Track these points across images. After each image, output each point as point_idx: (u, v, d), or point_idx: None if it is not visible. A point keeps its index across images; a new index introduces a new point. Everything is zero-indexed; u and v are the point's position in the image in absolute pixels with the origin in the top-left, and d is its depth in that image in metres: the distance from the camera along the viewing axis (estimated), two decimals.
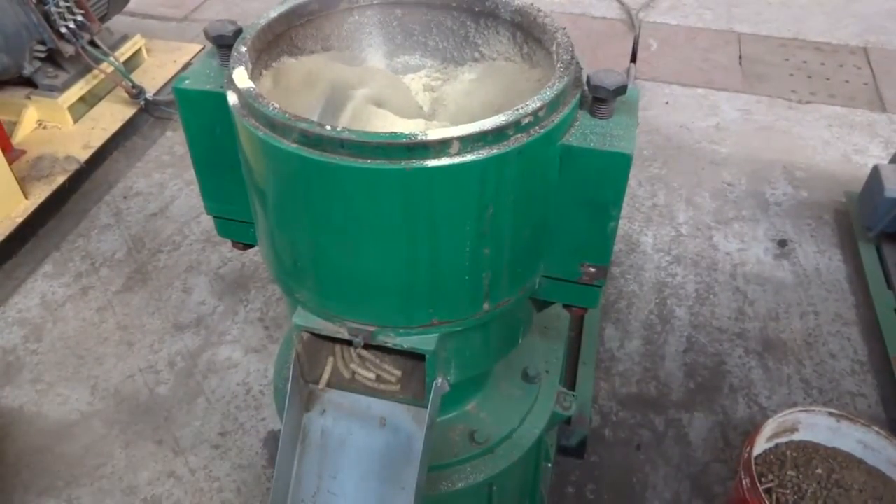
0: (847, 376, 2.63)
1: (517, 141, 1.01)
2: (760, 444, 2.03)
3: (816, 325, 2.82)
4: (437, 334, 1.19)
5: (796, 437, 2.11)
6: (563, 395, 1.68)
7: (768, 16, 4.80)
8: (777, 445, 2.11)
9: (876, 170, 3.00)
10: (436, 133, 0.96)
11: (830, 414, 2.06)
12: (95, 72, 3.50)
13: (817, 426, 2.08)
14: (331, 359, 1.30)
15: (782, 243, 3.16)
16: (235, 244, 1.43)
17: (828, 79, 4.18)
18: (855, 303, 2.89)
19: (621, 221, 3.21)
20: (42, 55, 3.29)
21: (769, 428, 2.03)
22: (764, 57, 4.38)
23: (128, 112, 3.59)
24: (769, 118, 3.90)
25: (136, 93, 3.57)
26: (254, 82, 1.06)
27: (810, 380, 2.62)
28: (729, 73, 4.23)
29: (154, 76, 3.78)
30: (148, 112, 3.68)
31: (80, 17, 3.30)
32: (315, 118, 1.14)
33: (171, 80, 3.81)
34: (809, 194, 3.41)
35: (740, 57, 4.38)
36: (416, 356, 1.23)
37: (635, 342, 2.75)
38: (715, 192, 3.43)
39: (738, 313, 2.86)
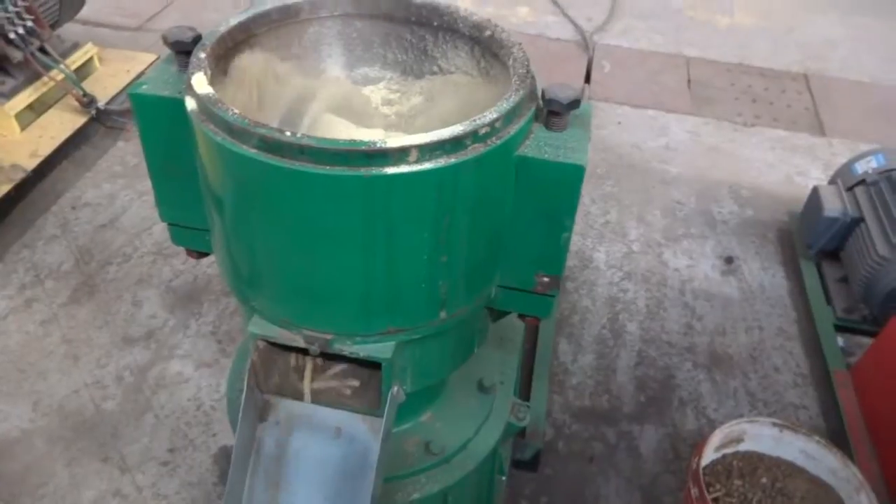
0: (790, 389, 2.72)
1: (474, 150, 1.03)
2: (708, 455, 2.08)
3: (761, 339, 2.91)
4: (393, 342, 1.20)
5: (742, 447, 2.17)
6: (518, 405, 1.70)
7: (715, 41, 4.99)
8: (724, 456, 2.16)
9: (815, 191, 3.13)
10: (395, 141, 0.98)
11: (774, 424, 2.13)
12: (45, 79, 3.42)
13: (762, 436, 2.15)
14: (308, 368, 1.29)
15: (729, 260, 3.26)
16: (190, 252, 1.41)
17: (771, 103, 4.36)
18: (797, 318, 3.00)
19: (575, 238, 3.30)
20: None
21: (716, 439, 2.09)
22: (711, 81, 4.54)
23: (78, 121, 3.50)
24: (716, 140, 4.04)
25: (87, 101, 3.50)
26: (213, 88, 1.06)
27: (755, 392, 2.70)
28: (678, 96, 4.37)
29: (106, 85, 3.71)
30: (99, 121, 3.61)
31: (29, 23, 3.23)
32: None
33: (123, 89, 3.74)
34: (755, 213, 3.53)
35: (689, 80, 4.53)
36: (373, 365, 1.23)
37: (588, 356, 2.79)
38: (665, 209, 3.52)
39: (687, 328, 2.94)
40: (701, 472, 1.96)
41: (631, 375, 2.73)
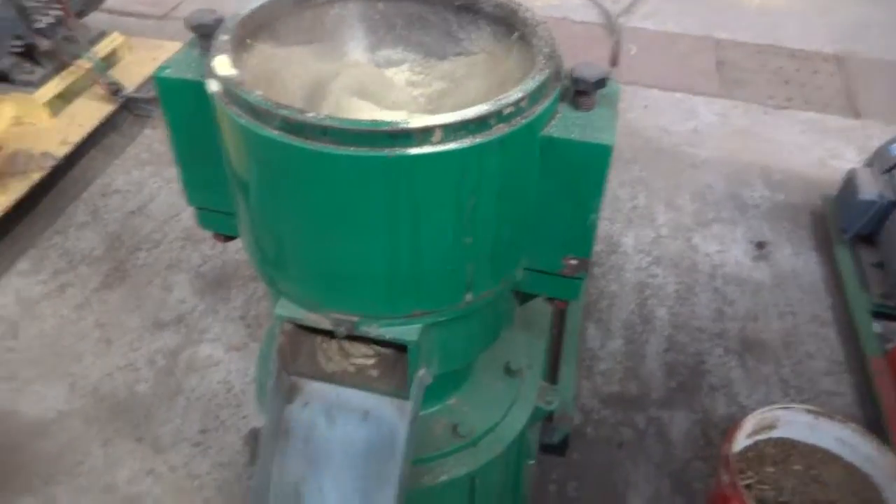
0: (824, 376, 2.67)
1: (499, 131, 1.02)
2: (740, 441, 2.05)
3: (794, 325, 2.86)
4: (419, 325, 1.19)
5: (775, 434, 2.14)
6: (546, 389, 1.69)
7: (745, 22, 4.87)
8: (756, 442, 2.13)
9: (851, 174, 3.05)
10: (418, 121, 0.97)
11: (809, 411, 2.09)
12: (73, 68, 3.47)
13: (796, 423, 2.11)
14: (335, 350, 1.29)
15: (760, 245, 3.20)
16: (217, 236, 1.42)
17: (803, 85, 4.25)
18: (831, 303, 2.94)
19: (602, 222, 3.26)
20: (18, 50, 3.25)
21: (749, 425, 2.06)
22: (741, 63, 4.44)
23: (106, 109, 3.55)
24: (746, 122, 3.95)
25: (115, 90, 3.54)
26: (235, 71, 1.06)
27: (788, 379, 2.66)
28: (707, 78, 4.28)
29: (133, 73, 3.75)
30: (127, 109, 3.65)
31: (57, 12, 3.27)
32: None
33: (150, 77, 3.77)
34: (786, 197, 3.46)
35: (718, 62, 4.44)
36: (399, 347, 1.22)
37: (617, 341, 2.77)
38: (694, 194, 3.47)
39: (718, 314, 2.89)
40: (732, 458, 1.93)
41: (660, 361, 2.70)
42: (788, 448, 2.11)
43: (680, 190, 3.49)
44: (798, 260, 3.14)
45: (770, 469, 2.08)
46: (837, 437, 2.07)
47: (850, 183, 3.03)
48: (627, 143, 3.73)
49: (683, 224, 3.30)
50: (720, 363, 2.70)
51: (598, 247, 3.16)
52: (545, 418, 1.85)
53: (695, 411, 2.54)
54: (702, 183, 3.53)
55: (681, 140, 3.81)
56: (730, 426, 2.37)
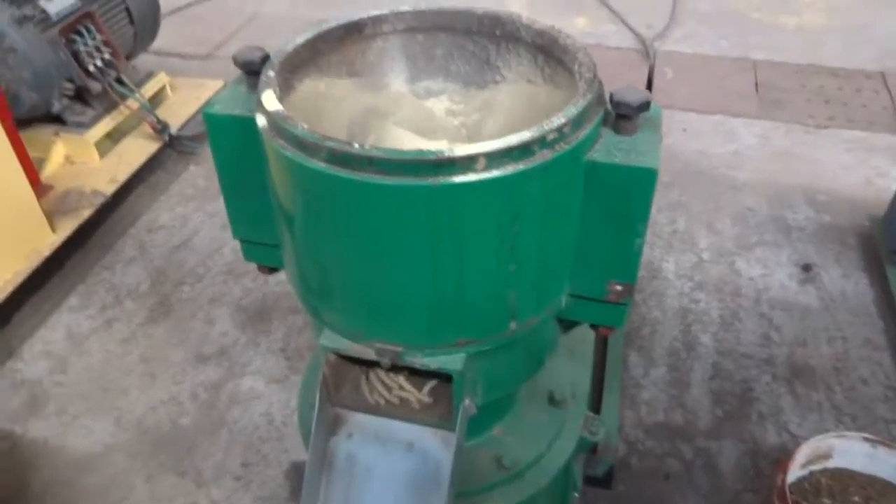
0: (880, 402, 2.57)
1: (542, 157, 1.02)
2: (794, 472, 1.98)
3: (845, 350, 2.76)
4: (464, 354, 1.19)
5: (830, 464, 2.06)
6: (591, 419, 1.66)
7: (783, 43, 4.82)
8: (811, 473, 2.06)
9: None
10: (462, 149, 0.97)
11: (866, 440, 2.01)
12: (121, 108, 3.59)
13: (852, 452, 2.03)
14: (380, 381, 1.29)
15: (806, 268, 3.12)
16: (261, 268, 1.44)
17: (845, 103, 4.17)
18: (884, 327, 2.84)
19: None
20: (70, 93, 3.38)
21: (802, 454, 1.98)
22: (780, 83, 4.38)
23: (152, 147, 3.66)
24: (787, 143, 3.89)
25: (161, 128, 3.65)
26: (282, 105, 1.08)
27: (842, 406, 2.56)
28: (745, 100, 4.24)
29: (178, 112, 3.86)
30: (172, 147, 3.75)
31: (107, 56, 3.40)
32: None
33: (194, 115, 3.89)
34: (832, 218, 3.37)
35: (756, 83, 4.39)
36: (443, 377, 1.22)
37: (660, 369, 2.71)
38: (736, 217, 3.40)
39: (765, 339, 2.82)
40: (787, 489, 1.86)
41: (706, 389, 2.63)
42: (845, 479, 2.03)
43: (721, 213, 3.43)
44: (847, 282, 3.05)
45: (827, 501, 2.00)
46: None
47: None
48: (666, 167, 3.69)
49: (725, 248, 3.24)
50: (769, 390, 2.62)
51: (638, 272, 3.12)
52: (590, 449, 1.81)
53: (744, 441, 2.46)
54: (743, 206, 3.47)
55: (720, 163, 3.76)
56: (782, 456, 2.30)
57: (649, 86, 4.33)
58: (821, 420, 2.52)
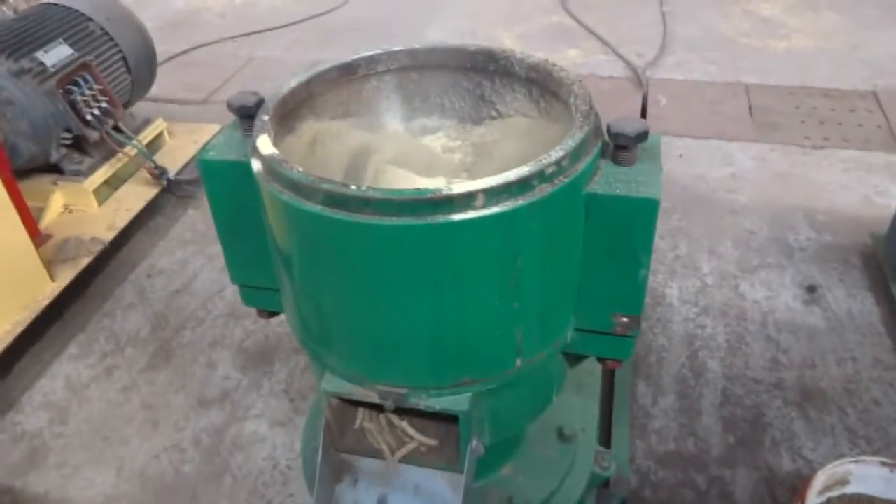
0: (894, 423, 2.52)
1: (542, 191, 1.01)
2: (811, 500, 1.93)
3: (855, 371, 2.73)
4: (469, 394, 1.16)
5: (849, 489, 2.01)
6: (601, 454, 1.62)
7: (774, 66, 4.87)
8: (829, 500, 2.00)
9: None
10: (460, 187, 0.96)
11: (883, 464, 1.96)
12: (119, 155, 3.60)
13: (870, 477, 1.98)
14: (384, 425, 1.26)
15: (811, 289, 3.09)
16: (260, 312, 1.42)
17: (840, 123, 4.19)
18: (893, 346, 2.80)
19: None
20: (68, 142, 3.39)
21: (819, 481, 1.94)
22: (774, 106, 4.41)
23: (151, 192, 3.66)
24: (784, 165, 3.89)
25: (159, 174, 3.66)
26: (277, 149, 1.08)
27: (856, 429, 2.52)
28: (740, 124, 4.26)
29: (175, 157, 3.88)
30: (170, 192, 3.76)
31: (104, 104, 3.42)
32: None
33: (191, 159, 3.90)
34: (834, 238, 3.36)
35: (750, 107, 4.42)
36: (450, 418, 1.19)
37: (669, 398, 2.67)
38: (737, 240, 3.39)
39: (773, 363, 2.78)
40: None
41: (717, 416, 2.59)
42: None
43: (722, 237, 3.42)
44: (853, 302, 3.02)
45: None
46: None
47: None
48: (665, 193, 3.61)
49: (728, 272, 3.22)
50: (780, 415, 2.58)
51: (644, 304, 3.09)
52: (602, 484, 1.77)
53: (758, 468, 2.41)
54: (744, 228, 3.46)
55: (718, 186, 3.76)
56: (798, 483, 2.25)
57: (644, 114, 4.36)
58: (835, 444, 2.47)
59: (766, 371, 2.75)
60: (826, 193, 3.65)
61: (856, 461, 1.98)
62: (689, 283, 3.17)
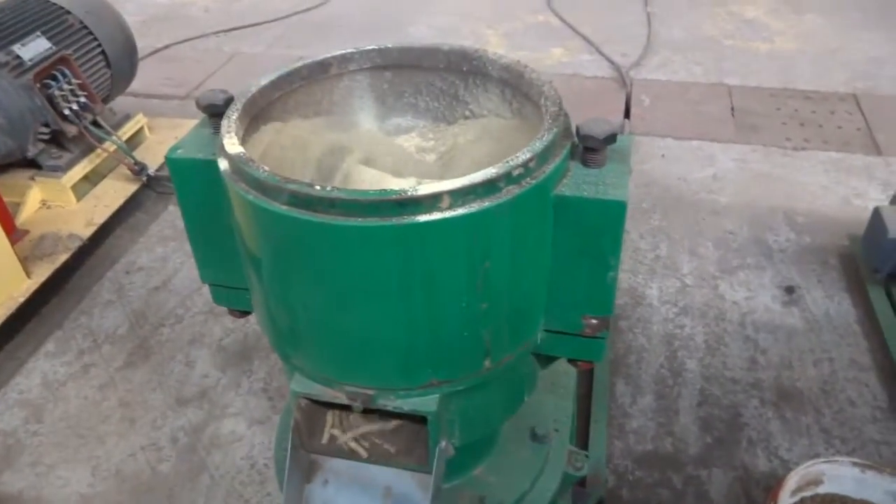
0: (869, 423, 2.55)
1: (509, 193, 1.01)
2: (784, 500, 1.94)
3: (832, 371, 2.75)
4: (438, 395, 1.16)
5: (821, 489, 2.03)
6: (574, 454, 1.63)
7: (756, 68, 4.90)
8: (802, 500, 2.02)
9: (877, 212, 2.99)
10: (426, 188, 0.96)
11: (855, 464, 1.98)
12: (98, 151, 3.56)
13: (842, 478, 2.00)
14: (353, 425, 1.25)
15: (790, 290, 3.12)
16: (232, 312, 1.41)
17: (820, 126, 4.23)
18: (869, 347, 2.83)
19: (625, 275, 3.21)
20: (46, 137, 3.35)
21: (792, 482, 1.95)
22: (755, 107, 4.44)
23: (130, 189, 3.63)
24: (765, 166, 3.92)
25: (139, 170, 3.62)
26: (244, 148, 1.07)
27: (831, 429, 2.54)
28: (722, 125, 4.28)
29: (156, 153, 3.84)
30: (150, 188, 3.73)
31: (83, 99, 3.38)
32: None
33: None
34: (812, 239, 3.39)
35: (732, 108, 4.44)
36: (418, 419, 1.19)
37: (647, 397, 2.68)
38: (717, 241, 3.41)
39: (751, 363, 2.80)
40: None
41: (694, 416, 2.60)
42: None
43: (702, 237, 3.44)
44: (830, 303, 3.05)
45: None
46: (888, 490, 1.96)
47: (877, 221, 2.96)
48: (645, 193, 3.71)
49: (708, 272, 3.24)
50: (757, 415, 2.60)
51: (622, 300, 3.11)
52: (577, 483, 1.78)
53: (734, 468, 2.43)
54: (724, 229, 3.48)
55: (700, 187, 3.78)
56: (773, 482, 2.27)
57: (627, 113, 4.37)
58: (811, 444, 2.49)
59: (743, 371, 2.77)
60: (806, 195, 3.68)
61: (828, 461, 2.00)
62: (668, 284, 3.18)
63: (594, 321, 1.20)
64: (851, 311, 3.00)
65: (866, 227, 3.08)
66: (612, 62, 4.97)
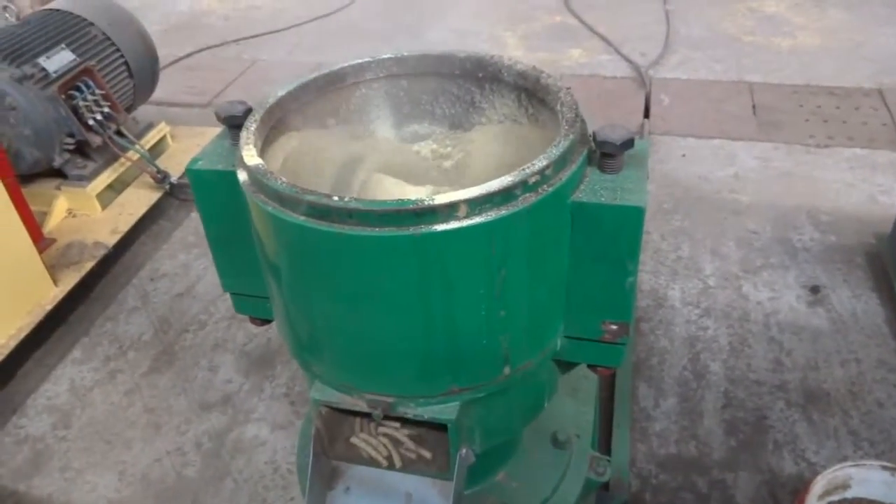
0: None
1: (526, 201, 1.01)
2: None
3: (859, 372, 2.71)
4: (457, 402, 1.16)
5: (849, 493, 1.99)
6: (597, 459, 1.62)
7: (778, 65, 4.83)
8: None
9: None
10: (443, 197, 0.96)
11: (884, 468, 1.95)
12: (122, 159, 3.62)
13: (871, 481, 1.97)
14: (373, 433, 1.26)
15: (815, 289, 3.07)
16: (253, 320, 1.43)
17: (845, 122, 4.16)
18: None
19: (646, 276, 3.19)
20: (71, 147, 3.41)
21: (819, 486, 1.92)
22: (777, 104, 4.38)
23: (154, 196, 3.68)
24: (788, 164, 3.87)
25: (162, 177, 3.67)
26: (263, 159, 1.08)
27: (859, 431, 2.50)
28: (743, 123, 4.23)
29: (178, 160, 3.89)
30: (173, 195, 3.77)
31: (106, 109, 3.44)
32: (326, 191, 1.15)
33: None
34: (838, 238, 3.33)
35: (753, 106, 4.39)
36: (439, 426, 1.19)
37: (670, 400, 2.66)
38: (740, 241, 3.37)
39: (776, 364, 2.76)
40: None
41: (719, 418, 2.58)
42: None
43: (724, 237, 3.40)
44: (857, 303, 3.00)
45: None
46: None
47: None
48: (667, 193, 3.68)
49: (731, 272, 3.20)
50: (783, 417, 2.56)
51: (644, 301, 3.08)
52: (601, 487, 1.77)
53: (760, 471, 2.40)
54: (747, 229, 3.44)
55: (721, 186, 3.74)
56: (800, 486, 2.23)
57: (647, 113, 4.34)
58: (838, 447, 2.46)
59: (768, 373, 2.73)
60: (830, 193, 3.63)
61: (856, 465, 1.97)
62: (691, 285, 3.15)
63: (613, 327, 1.19)
64: (879, 310, 2.95)
65: (893, 224, 3.02)
66: (630, 62, 4.93)
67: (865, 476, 1.96)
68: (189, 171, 1.22)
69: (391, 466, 1.27)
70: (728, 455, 2.45)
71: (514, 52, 5.14)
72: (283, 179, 1.02)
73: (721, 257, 3.29)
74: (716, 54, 5.01)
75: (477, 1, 6.25)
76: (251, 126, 1.15)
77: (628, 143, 1.09)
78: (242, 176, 1.10)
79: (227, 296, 3.27)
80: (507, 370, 1.16)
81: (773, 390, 2.66)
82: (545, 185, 1.02)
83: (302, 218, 0.99)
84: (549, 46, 5.29)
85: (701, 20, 5.59)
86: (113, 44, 3.58)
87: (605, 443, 2.41)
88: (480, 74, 1.34)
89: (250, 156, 1.08)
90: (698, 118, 4.29)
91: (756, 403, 2.61)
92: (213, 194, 1.22)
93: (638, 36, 5.31)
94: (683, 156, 3.99)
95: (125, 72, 3.67)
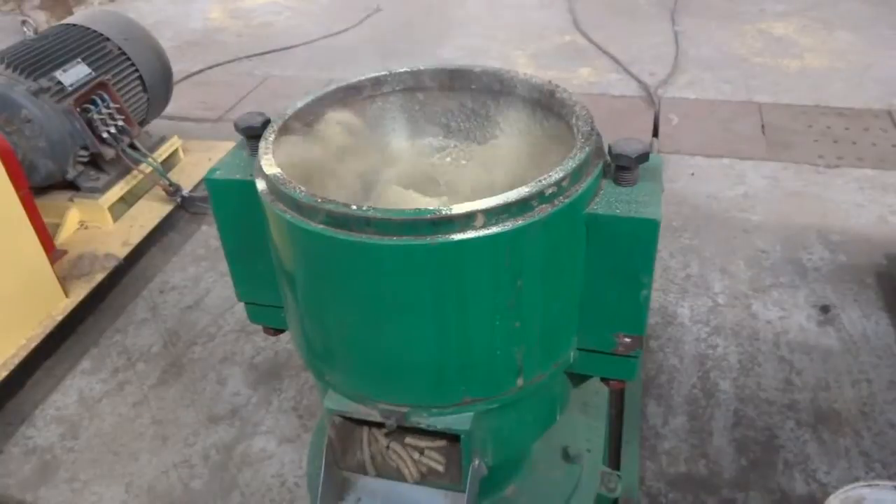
0: None
1: (542, 212, 1.01)
2: None
3: (870, 393, 2.69)
4: (471, 413, 1.16)
5: None
6: (608, 475, 1.61)
7: (787, 85, 4.85)
8: None
9: None
10: (460, 207, 0.97)
11: None
12: (135, 172, 3.65)
13: (884, 502, 1.94)
14: (386, 443, 1.26)
15: (825, 309, 3.06)
16: (267, 329, 1.43)
17: (854, 142, 4.17)
18: None
19: (656, 294, 3.18)
20: (85, 160, 3.45)
21: None
22: (787, 125, 4.39)
23: (165, 209, 3.71)
24: (798, 184, 3.87)
25: (173, 191, 3.70)
26: (281, 169, 1.09)
27: (870, 452, 2.47)
28: (753, 143, 4.24)
29: (190, 174, 3.93)
30: (184, 208, 3.80)
31: (120, 123, 3.48)
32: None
33: (205, 177, 3.95)
34: (848, 258, 3.33)
35: (762, 126, 4.40)
36: (452, 437, 1.19)
37: (680, 418, 2.64)
38: (749, 260, 3.37)
39: (786, 384, 2.75)
40: None
41: (729, 437, 2.56)
42: None
43: (734, 256, 3.39)
44: (868, 323, 2.98)
45: None
46: None
47: None
48: (676, 211, 3.68)
49: (740, 291, 3.19)
50: (793, 437, 2.54)
51: (653, 319, 3.07)
52: None
53: (771, 491, 2.37)
54: (756, 248, 3.44)
55: (731, 205, 3.74)
56: None
57: (655, 132, 4.36)
58: (850, 467, 2.43)
59: (778, 392, 2.72)
60: (840, 213, 3.62)
61: (870, 485, 1.95)
62: (700, 303, 3.14)
63: (627, 340, 1.19)
64: (890, 331, 2.93)
65: None
66: (640, 81, 4.96)
67: (879, 497, 1.93)
68: (207, 181, 1.23)
69: (403, 479, 1.26)
70: (738, 474, 2.43)
71: (525, 70, 5.18)
72: (302, 188, 1.03)
73: (730, 276, 3.28)
74: (725, 75, 5.04)
75: (488, 20, 6.32)
76: (269, 136, 1.17)
77: (643, 157, 1.10)
78: (261, 185, 1.11)
79: (237, 309, 3.29)
80: (520, 381, 1.16)
81: (784, 409, 2.64)
82: (561, 197, 1.03)
83: (320, 226, 1.00)
84: (559, 65, 5.33)
85: (710, 41, 5.63)
86: (128, 59, 3.63)
87: (614, 460, 2.39)
88: (496, 88, 1.36)
89: (269, 165, 1.09)
90: (707, 137, 4.31)
91: (766, 422, 2.60)
92: (231, 203, 1.24)
93: (647, 56, 5.35)
94: (693, 174, 4.00)
95: (139, 86, 3.72)
